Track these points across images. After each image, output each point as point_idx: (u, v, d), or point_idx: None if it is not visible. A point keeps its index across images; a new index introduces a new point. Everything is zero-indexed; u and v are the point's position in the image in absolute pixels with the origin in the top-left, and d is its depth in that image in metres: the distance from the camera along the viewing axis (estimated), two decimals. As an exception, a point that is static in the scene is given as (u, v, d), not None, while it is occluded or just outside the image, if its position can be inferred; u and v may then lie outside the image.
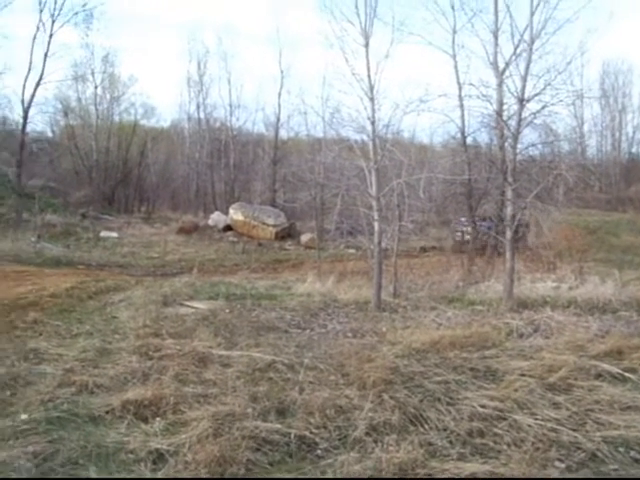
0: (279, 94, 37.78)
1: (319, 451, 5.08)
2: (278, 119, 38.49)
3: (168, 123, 45.48)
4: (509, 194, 10.81)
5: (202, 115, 40.66)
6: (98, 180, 36.87)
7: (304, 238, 29.42)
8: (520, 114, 10.89)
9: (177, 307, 10.11)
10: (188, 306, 10.14)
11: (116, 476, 4.53)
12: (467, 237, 19.51)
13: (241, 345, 7.88)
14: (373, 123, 10.81)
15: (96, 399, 5.92)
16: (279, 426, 5.32)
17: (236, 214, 30.42)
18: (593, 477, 4.74)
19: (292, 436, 5.17)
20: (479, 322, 9.28)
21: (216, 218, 31.37)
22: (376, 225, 10.73)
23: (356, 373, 6.66)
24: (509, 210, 10.82)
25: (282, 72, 37.24)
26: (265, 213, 30.50)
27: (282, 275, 17.12)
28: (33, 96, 29.43)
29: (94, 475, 4.51)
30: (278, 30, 41.17)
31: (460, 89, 18.26)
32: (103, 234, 26.76)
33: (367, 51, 10.84)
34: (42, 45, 29.12)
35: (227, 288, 11.80)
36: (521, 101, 10.79)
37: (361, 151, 11.80)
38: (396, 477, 4.62)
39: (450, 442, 5.18)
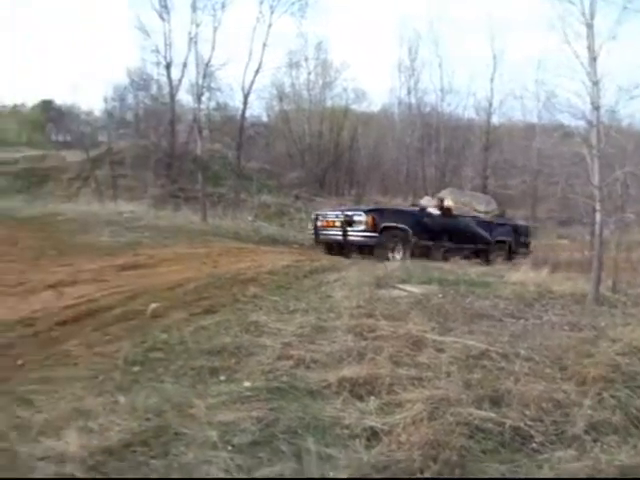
0: (491, 79, 36.89)
1: (534, 444, 4.92)
2: (490, 104, 37.58)
3: (378, 107, 46.06)
4: None
5: (413, 100, 40.73)
6: (310, 163, 38.18)
7: (516, 226, 28.61)
8: None
9: (390, 290, 10.19)
10: (401, 289, 10.19)
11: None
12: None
13: (454, 331, 7.82)
14: (597, 109, 10.20)
15: (313, 374, 6.13)
16: (493, 415, 5.21)
17: (447, 199, 30.13)
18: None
19: (507, 426, 5.04)
20: None
21: (425, 203, 31.28)
22: (597, 216, 10.14)
23: (574, 368, 6.39)
24: None
25: (495, 56, 36.29)
26: (476, 199, 29.85)
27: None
28: (252, 83, 31.12)
29: (312, 446, 4.65)
30: (490, 14, 39.93)
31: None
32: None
33: (591, 32, 10.25)
34: (260, 35, 30.75)
35: (440, 273, 11.73)
36: None
37: (581, 138, 11.20)
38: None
39: None
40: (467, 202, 29.86)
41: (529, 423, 5.16)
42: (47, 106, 53.58)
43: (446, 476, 4.49)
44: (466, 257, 17.19)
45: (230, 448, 4.58)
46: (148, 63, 35.00)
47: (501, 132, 39.40)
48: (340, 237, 16.10)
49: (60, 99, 55.36)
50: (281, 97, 41.28)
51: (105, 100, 40.64)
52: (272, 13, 30.98)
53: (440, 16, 39.83)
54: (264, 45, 30.66)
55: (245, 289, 9.99)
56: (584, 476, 4.48)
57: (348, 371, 6.03)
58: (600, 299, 10.01)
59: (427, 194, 33.56)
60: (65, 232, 18.37)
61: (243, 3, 55.25)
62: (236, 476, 4.26)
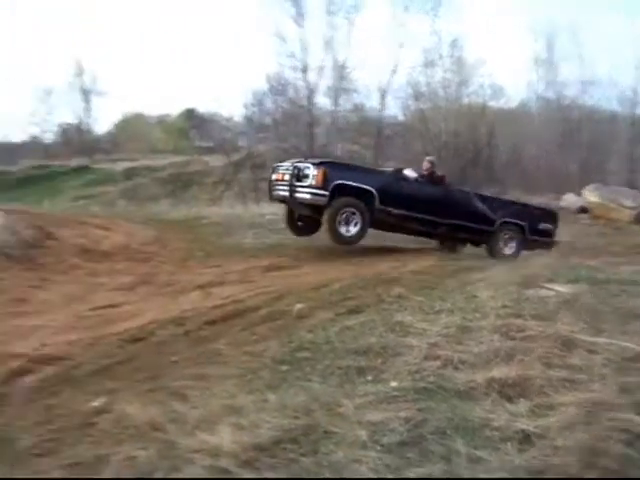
0: (637, 66, 34.97)
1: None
2: (636, 94, 35.65)
3: (516, 103, 44.87)
4: None
5: (551, 94, 39.34)
6: (448, 161, 37.69)
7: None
8: None
9: (537, 289, 9.89)
10: (549, 288, 9.86)
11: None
12: None
13: (607, 331, 7.49)
14: None
15: (460, 374, 6.05)
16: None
17: (592, 196, 29.03)
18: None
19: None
20: None
21: (569, 200, 30.28)
22: None
23: None
24: None
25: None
26: (622, 194, 28.62)
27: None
28: (389, 84, 31.12)
29: (461, 448, 4.61)
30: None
31: None
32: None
33: None
34: (395, 35, 30.70)
35: (588, 271, 11.25)
36: None
37: None
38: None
39: None
40: (613, 198, 28.74)
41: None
42: (190, 114, 56.43)
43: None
44: (458, 239, 15.92)
45: (379, 448, 4.61)
46: (285, 68, 35.86)
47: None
48: (287, 194, 13.75)
49: (202, 107, 57.73)
50: (417, 96, 40.98)
51: (245, 106, 42.06)
52: (406, 12, 30.67)
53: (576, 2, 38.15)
54: (399, 45, 30.52)
55: (389, 289, 10.00)
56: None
57: (497, 372, 5.92)
58: None
59: (569, 190, 32.48)
60: (211, 234, 19.16)
61: (376, 4, 55.55)
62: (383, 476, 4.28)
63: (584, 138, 36.12)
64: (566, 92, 38.96)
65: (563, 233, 23.89)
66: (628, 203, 27.94)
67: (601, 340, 7.01)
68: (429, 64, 38.63)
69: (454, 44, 39.09)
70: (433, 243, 16.70)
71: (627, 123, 35.91)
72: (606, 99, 38.58)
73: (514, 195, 33.59)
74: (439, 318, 8.22)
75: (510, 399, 5.47)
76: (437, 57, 38.77)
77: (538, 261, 12.84)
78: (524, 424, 4.94)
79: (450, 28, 43.56)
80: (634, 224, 26.83)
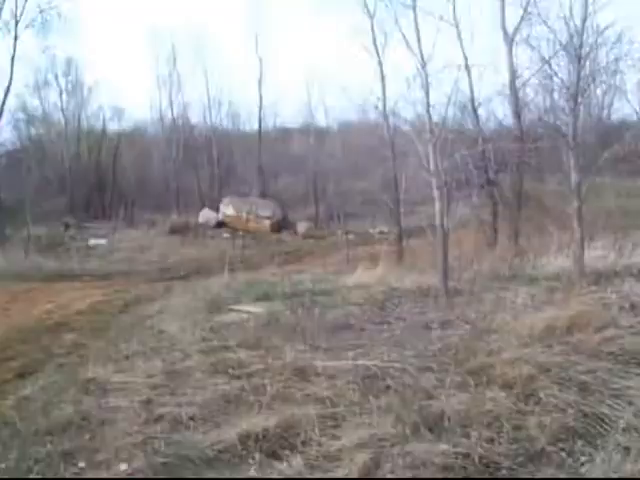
0: (259, 83, 36.44)
1: (504, 471, 4.15)
2: (260, 109, 37.30)
3: (140, 123, 43.78)
4: (572, 161, 9.89)
5: (175, 113, 39.10)
6: (72, 188, 35.34)
7: (301, 228, 28.60)
8: (579, 72, 9.89)
9: (227, 313, 9.06)
10: (239, 310, 9.08)
11: None
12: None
13: (324, 349, 6.90)
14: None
15: (199, 436, 4.85)
16: (445, 446, 4.32)
17: (227, 209, 29.41)
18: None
19: (473, 457, 4.18)
20: (567, 300, 8.33)
21: (206, 215, 30.30)
22: (437, 205, 9.69)
23: (486, 371, 5.73)
24: (573, 178, 9.93)
25: (260, 60, 35.88)
26: (258, 206, 29.45)
27: (307, 267, 16.17)
28: (4, 104, 27.53)
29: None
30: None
31: (466, 59, 17.03)
32: (92, 242, 25.71)
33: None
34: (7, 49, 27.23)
35: (269, 287, 10.72)
36: (579, 58, 9.77)
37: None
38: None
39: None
40: (249, 209, 29.44)
41: (485, 446, 4.36)
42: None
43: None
44: None
45: None
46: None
47: (274, 137, 39.49)
48: None
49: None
50: (31, 120, 37.61)
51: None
52: (17, 23, 27.08)
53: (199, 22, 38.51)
54: (13, 59, 26.91)
55: (58, 337, 8.36)
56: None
57: (247, 424, 4.81)
58: (449, 290, 9.57)
59: (204, 206, 32.51)
60: None
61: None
62: None
63: (214, 155, 36.42)
64: (193, 110, 39.25)
65: (208, 250, 23.94)
66: (264, 213, 28.81)
67: (331, 363, 6.32)
68: (43, 85, 35.67)
69: (70, 64, 36.59)
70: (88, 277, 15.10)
71: (256, 138, 37.03)
72: (230, 117, 39.17)
73: (145, 217, 32.66)
74: (136, 365, 6.87)
75: (278, 456, 4.41)
76: (52, 77, 35.90)
77: (210, 282, 12.04)
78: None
79: (66, 48, 40.82)
80: (271, 233, 27.76)
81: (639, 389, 5.20)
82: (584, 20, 9.75)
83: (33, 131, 38.19)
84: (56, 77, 36.46)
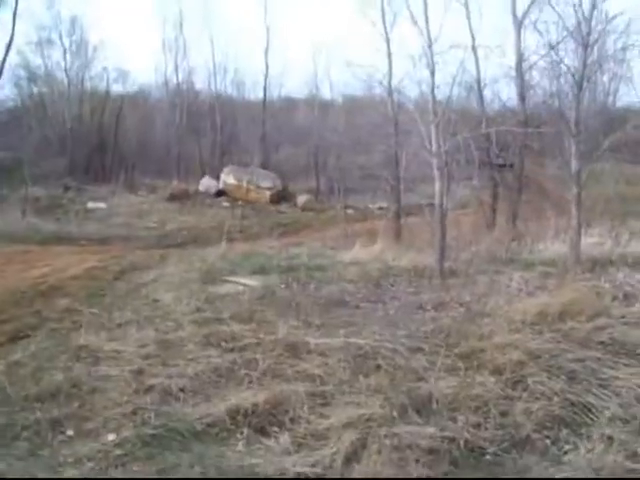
0: (265, 52, 36.01)
1: (488, 456, 4.19)
2: (266, 78, 36.85)
3: (144, 87, 43.31)
4: (573, 148, 9.84)
5: (180, 78, 38.67)
6: (73, 149, 35.01)
7: (300, 200, 28.53)
8: (585, 60, 9.81)
9: (222, 284, 9.05)
10: (235, 282, 9.08)
11: None
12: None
13: (319, 326, 6.91)
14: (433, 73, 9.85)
15: (189, 408, 4.88)
16: (432, 429, 4.35)
17: (228, 178, 29.26)
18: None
19: (459, 442, 4.23)
20: (561, 286, 8.34)
21: (206, 183, 30.13)
22: (437, 185, 9.65)
23: (477, 355, 5.76)
24: (574, 165, 9.88)
25: (267, 29, 35.44)
26: (259, 176, 29.32)
27: (305, 240, 16.18)
28: (4, 60, 27.06)
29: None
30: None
31: (473, 39, 16.91)
32: (90, 205, 25.60)
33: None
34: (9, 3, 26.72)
35: (266, 259, 10.73)
36: (586, 46, 9.69)
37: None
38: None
39: (632, 434, 4.32)
40: (249, 179, 29.34)
41: (471, 430, 4.39)
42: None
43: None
44: None
45: None
46: None
47: (278, 108, 39.27)
48: None
49: None
50: (32, 78, 37.11)
51: None
52: None
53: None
54: (14, 15, 26.42)
55: (52, 302, 8.35)
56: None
57: (236, 399, 4.86)
58: (445, 271, 9.58)
59: (205, 174, 32.36)
60: None
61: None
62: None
63: (217, 122, 36.17)
64: (198, 76, 38.87)
65: (206, 218, 23.91)
66: (265, 184, 28.73)
67: (322, 340, 6.34)
68: (46, 43, 35.14)
69: (74, 23, 36.11)
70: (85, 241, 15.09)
71: (260, 107, 36.75)
72: (236, 84, 38.74)
73: (144, 181, 32.57)
74: (129, 334, 6.88)
75: (266, 433, 4.45)
76: (56, 36, 35.33)
77: (206, 252, 12.02)
78: (297, 464, 3.98)
79: (70, 6, 40.17)
80: (270, 204, 27.73)
81: (626, 380, 5.19)
82: (593, 8, 9.68)
83: (35, 90, 37.59)
84: (60, 36, 35.78)
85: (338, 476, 3.85)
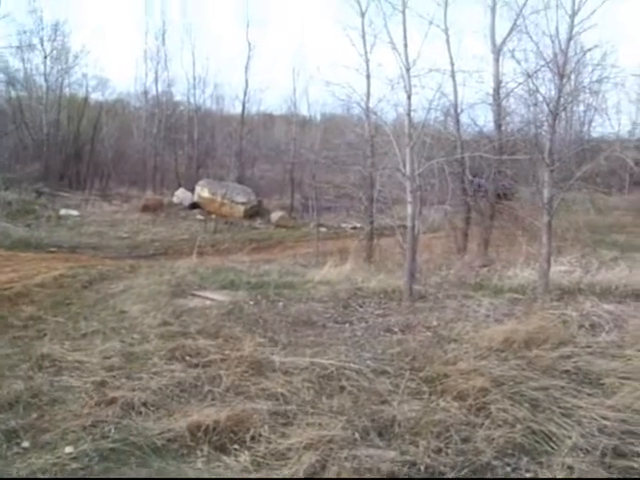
0: (246, 68, 36.02)
1: (444, 483, 4.19)
2: (245, 94, 36.80)
3: (124, 96, 43.16)
4: (546, 176, 9.93)
5: (160, 89, 38.53)
6: (49, 155, 34.69)
7: (274, 217, 28.50)
8: (560, 90, 9.93)
9: (190, 298, 9.01)
10: (203, 297, 9.04)
11: None
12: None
13: (284, 344, 6.91)
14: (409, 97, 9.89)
15: (150, 423, 4.83)
16: (393, 453, 4.35)
17: (203, 191, 29.15)
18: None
19: (419, 467, 4.21)
20: (528, 314, 8.40)
21: (181, 195, 30.00)
22: (409, 208, 9.68)
23: (441, 380, 5.77)
24: (546, 193, 9.95)
25: (249, 45, 35.45)
26: (234, 191, 29.26)
27: (276, 256, 16.20)
28: None
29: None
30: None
31: (452, 64, 17.12)
32: (63, 212, 25.28)
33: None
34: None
35: (236, 275, 10.69)
36: (561, 76, 9.82)
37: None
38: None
39: (592, 465, 4.30)
40: (224, 193, 29.26)
41: (432, 456, 4.37)
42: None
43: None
44: None
45: None
46: None
47: (255, 122, 39.27)
48: None
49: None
50: (11, 82, 36.75)
51: None
52: None
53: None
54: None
55: (16, 309, 8.23)
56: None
57: (198, 415, 4.79)
58: (414, 294, 9.60)
59: (180, 186, 32.23)
60: None
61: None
62: None
63: (195, 135, 36.10)
64: (177, 88, 38.80)
65: (179, 230, 23.81)
66: (240, 199, 28.66)
67: (291, 359, 6.32)
68: (27, 47, 34.83)
69: (56, 28, 35.87)
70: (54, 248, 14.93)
71: (238, 121, 36.70)
72: (214, 98, 38.73)
73: (118, 191, 32.32)
74: (93, 345, 6.81)
75: (226, 450, 4.41)
76: (37, 40, 35.02)
77: (177, 265, 11.95)
78: (253, 482, 3.95)
79: (53, 10, 39.86)
80: (244, 219, 27.65)
81: (589, 409, 5.21)
82: (569, 39, 9.82)
83: (13, 94, 37.28)
84: (41, 41, 35.59)
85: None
